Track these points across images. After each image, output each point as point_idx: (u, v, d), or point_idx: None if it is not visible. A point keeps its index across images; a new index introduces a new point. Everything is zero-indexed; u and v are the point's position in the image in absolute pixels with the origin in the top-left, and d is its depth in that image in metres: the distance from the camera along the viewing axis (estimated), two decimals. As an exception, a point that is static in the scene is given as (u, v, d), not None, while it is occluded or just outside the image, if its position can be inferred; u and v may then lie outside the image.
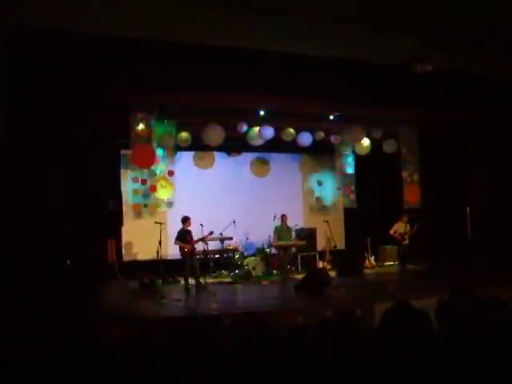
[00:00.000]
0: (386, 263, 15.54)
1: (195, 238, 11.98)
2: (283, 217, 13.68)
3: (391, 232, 13.89)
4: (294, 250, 14.26)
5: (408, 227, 13.75)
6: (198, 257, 12.22)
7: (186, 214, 12.17)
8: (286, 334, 3.77)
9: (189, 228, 11.90)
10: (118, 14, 8.02)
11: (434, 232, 14.12)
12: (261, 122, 13.10)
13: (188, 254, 11.63)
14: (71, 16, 7.80)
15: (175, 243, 11.81)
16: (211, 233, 12.39)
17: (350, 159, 15.84)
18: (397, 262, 15.22)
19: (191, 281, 11.69)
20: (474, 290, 4.12)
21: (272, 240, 13.82)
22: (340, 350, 3.53)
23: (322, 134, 14.41)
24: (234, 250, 14.05)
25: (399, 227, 13.83)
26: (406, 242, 13.76)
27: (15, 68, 8.17)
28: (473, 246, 13.72)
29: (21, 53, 8.19)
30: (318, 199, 16.85)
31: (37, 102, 8.55)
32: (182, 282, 12.52)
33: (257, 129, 13.46)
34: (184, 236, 11.73)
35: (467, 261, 13.04)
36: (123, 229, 13.23)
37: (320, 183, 16.82)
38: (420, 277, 12.75)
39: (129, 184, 13.34)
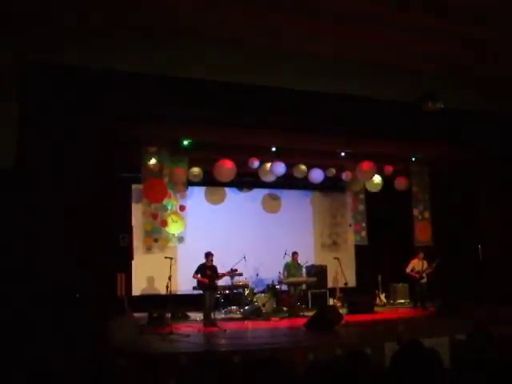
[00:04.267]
0: (398, 301, 15.34)
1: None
2: (294, 254, 13.60)
3: (408, 270, 13.71)
4: (304, 286, 14.17)
5: (425, 264, 13.59)
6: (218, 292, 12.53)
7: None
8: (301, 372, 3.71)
9: (211, 264, 11.84)
10: (131, 52, 8.21)
11: (446, 270, 13.95)
12: (273, 158, 13.14)
13: (207, 288, 11.62)
14: (84, 52, 7.97)
15: (193, 277, 11.79)
16: (234, 270, 12.95)
17: (362, 196, 15.84)
18: (408, 301, 15.04)
19: (200, 316, 11.71)
20: (489, 328, 4.07)
21: (282, 276, 13.74)
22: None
23: (333, 171, 14.46)
24: (244, 286, 13.93)
25: (416, 265, 13.66)
26: (424, 280, 13.57)
27: (28, 102, 8.26)
28: (485, 283, 13.52)
29: (35, 87, 8.29)
30: (329, 236, 16.78)
31: (49, 136, 8.61)
32: (192, 317, 12.47)
33: (268, 165, 13.51)
34: (204, 271, 11.70)
35: (480, 299, 12.85)
36: (133, 263, 13.20)
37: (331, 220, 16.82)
38: (432, 315, 12.56)
39: (140, 218, 13.37)
